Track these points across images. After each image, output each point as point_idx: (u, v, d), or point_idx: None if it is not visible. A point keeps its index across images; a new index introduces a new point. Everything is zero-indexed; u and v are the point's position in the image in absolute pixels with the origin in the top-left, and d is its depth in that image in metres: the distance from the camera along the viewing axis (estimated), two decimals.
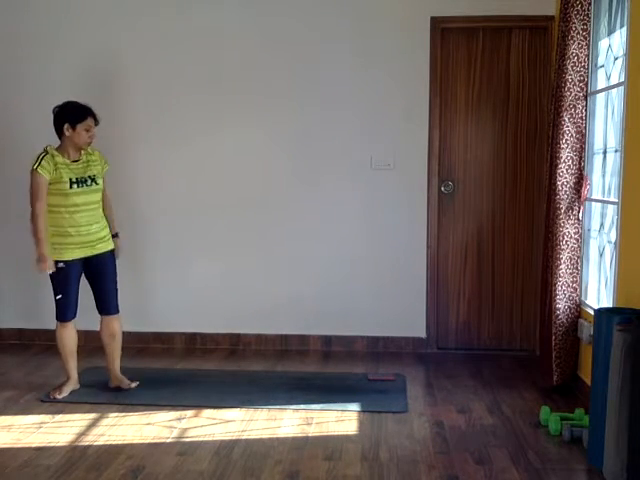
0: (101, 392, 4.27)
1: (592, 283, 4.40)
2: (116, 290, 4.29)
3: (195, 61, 5.13)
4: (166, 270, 5.27)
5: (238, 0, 5.08)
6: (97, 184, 4.14)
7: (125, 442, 3.54)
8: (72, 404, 4.06)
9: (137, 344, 5.28)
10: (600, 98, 4.29)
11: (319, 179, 5.16)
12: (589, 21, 4.15)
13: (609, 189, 4.16)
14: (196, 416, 3.91)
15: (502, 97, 5.07)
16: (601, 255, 4.27)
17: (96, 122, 4.10)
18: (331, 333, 5.25)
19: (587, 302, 4.34)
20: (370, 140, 5.10)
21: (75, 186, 4.02)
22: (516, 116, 5.08)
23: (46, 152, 4.01)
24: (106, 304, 4.28)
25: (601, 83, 4.27)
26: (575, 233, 4.26)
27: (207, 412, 3.96)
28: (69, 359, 4.26)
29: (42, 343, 5.33)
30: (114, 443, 3.53)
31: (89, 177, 4.09)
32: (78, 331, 5.31)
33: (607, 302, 4.03)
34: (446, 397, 4.24)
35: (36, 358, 5.01)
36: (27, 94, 5.22)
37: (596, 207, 4.38)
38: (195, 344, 5.33)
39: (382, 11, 5.01)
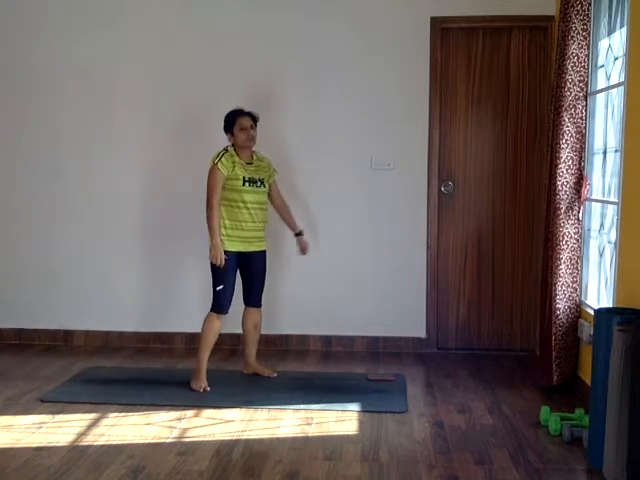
0: (101, 392, 4.26)
1: (592, 283, 4.40)
2: (263, 286, 4.56)
3: (192, 60, 5.14)
4: (165, 270, 5.27)
5: (239, 0, 5.09)
6: (264, 187, 4.43)
7: (125, 442, 3.53)
8: (72, 404, 4.05)
9: (137, 344, 5.29)
10: (600, 98, 4.28)
11: (319, 179, 5.16)
12: (589, 21, 4.15)
13: (609, 189, 4.16)
14: (196, 416, 3.91)
15: (502, 97, 5.08)
16: (601, 255, 4.27)
17: (254, 120, 4.37)
18: (331, 333, 5.25)
19: (587, 302, 4.34)
20: (370, 140, 5.10)
21: (247, 184, 4.32)
22: (516, 116, 5.08)
23: (226, 150, 4.33)
24: (253, 297, 4.54)
25: (601, 83, 4.27)
26: (575, 233, 4.26)
27: (207, 412, 3.96)
28: (208, 352, 4.38)
29: (42, 343, 5.33)
30: (114, 443, 3.52)
31: (259, 179, 4.39)
32: (78, 331, 5.38)
33: (607, 302, 4.03)
34: (446, 397, 4.24)
35: (36, 358, 5.00)
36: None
37: (596, 207, 4.38)
38: (195, 344, 5.30)
39: (382, 11, 5.01)
